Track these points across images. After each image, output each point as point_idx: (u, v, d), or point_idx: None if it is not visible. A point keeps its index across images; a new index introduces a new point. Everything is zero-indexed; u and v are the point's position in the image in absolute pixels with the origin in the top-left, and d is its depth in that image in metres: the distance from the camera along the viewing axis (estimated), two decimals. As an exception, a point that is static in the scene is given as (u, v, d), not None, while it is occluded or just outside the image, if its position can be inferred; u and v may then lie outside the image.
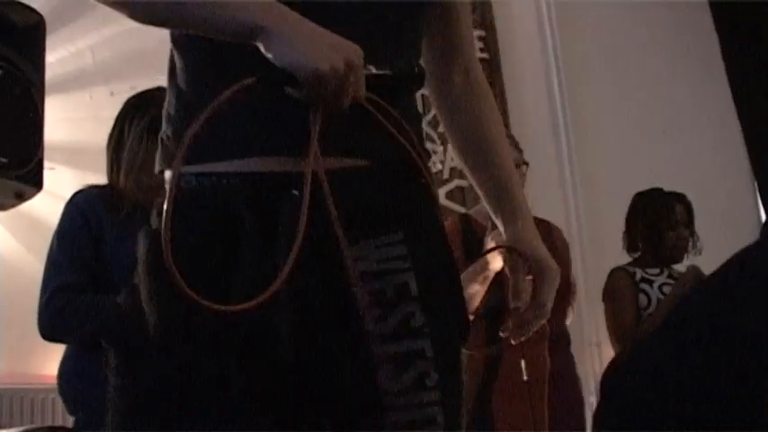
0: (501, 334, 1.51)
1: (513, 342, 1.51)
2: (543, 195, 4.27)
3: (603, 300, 3.36)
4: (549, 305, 1.54)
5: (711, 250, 3.42)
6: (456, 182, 3.96)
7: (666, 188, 3.46)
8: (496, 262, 2.55)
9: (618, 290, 3.31)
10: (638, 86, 4.68)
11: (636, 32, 4.78)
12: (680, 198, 3.40)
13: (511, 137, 3.09)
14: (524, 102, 4.46)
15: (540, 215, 4.08)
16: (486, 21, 4.50)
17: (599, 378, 3.32)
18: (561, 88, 4.55)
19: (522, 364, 2.77)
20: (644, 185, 3.53)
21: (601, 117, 4.59)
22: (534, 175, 4.21)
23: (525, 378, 2.77)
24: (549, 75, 4.58)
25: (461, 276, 1.42)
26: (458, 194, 3.93)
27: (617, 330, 3.27)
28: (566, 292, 3.10)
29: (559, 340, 3.01)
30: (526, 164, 3.02)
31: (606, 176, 4.30)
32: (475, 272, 2.60)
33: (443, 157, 4.13)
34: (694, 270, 3.22)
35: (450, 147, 4.20)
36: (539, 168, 4.31)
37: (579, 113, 4.54)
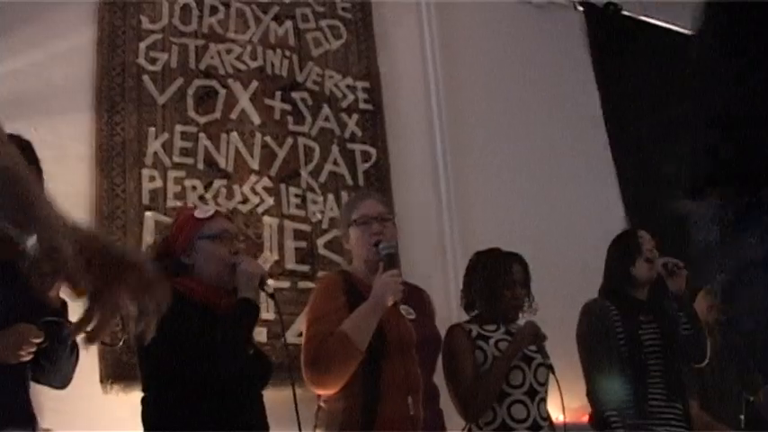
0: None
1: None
2: (421, 245, 4.29)
3: (442, 357, 3.37)
4: None
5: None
6: (334, 232, 3.93)
7: (547, 235, 3.50)
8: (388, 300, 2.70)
9: (455, 347, 3.34)
10: (519, 135, 4.80)
11: (518, 83, 4.92)
12: (517, 258, 3.46)
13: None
14: (407, 152, 4.49)
15: (419, 262, 4.16)
16: (370, 72, 4.52)
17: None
18: (443, 138, 4.62)
19: (410, 399, 2.75)
20: (522, 236, 3.56)
21: (482, 166, 4.68)
22: (413, 223, 4.26)
23: (411, 413, 2.75)
24: (432, 125, 4.64)
25: None
26: (336, 245, 3.88)
27: (456, 387, 3.29)
28: (435, 348, 3.12)
29: (430, 393, 3.02)
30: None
31: (485, 226, 4.34)
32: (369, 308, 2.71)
33: (323, 208, 4.08)
34: (532, 325, 3.29)
35: (330, 197, 4.19)
36: (418, 216, 4.36)
37: (460, 161, 4.61)
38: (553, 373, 3.28)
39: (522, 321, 3.39)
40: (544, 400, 3.30)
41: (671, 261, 3.55)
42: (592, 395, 3.56)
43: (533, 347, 3.31)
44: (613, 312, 3.59)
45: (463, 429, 3.30)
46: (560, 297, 3.73)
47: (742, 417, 3.92)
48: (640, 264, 3.64)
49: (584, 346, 3.62)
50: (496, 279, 3.40)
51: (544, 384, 3.30)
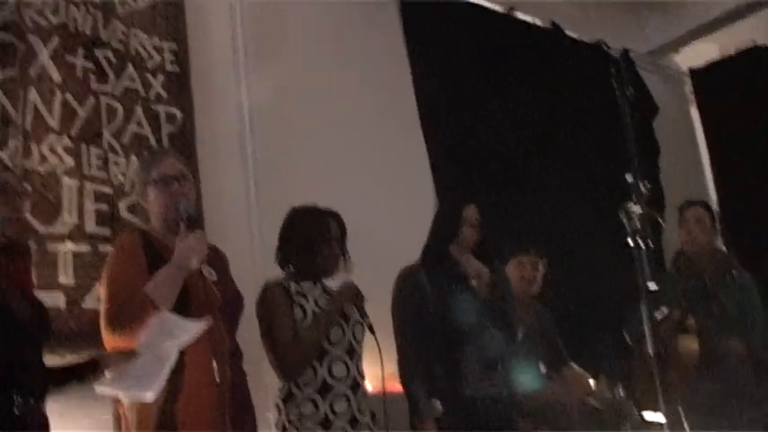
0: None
1: None
2: (226, 207, 4.31)
3: (258, 315, 3.38)
4: None
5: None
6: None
7: (357, 201, 3.56)
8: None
9: (273, 305, 3.36)
10: (329, 101, 4.88)
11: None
12: (333, 215, 3.51)
13: None
14: (214, 115, 4.48)
15: (223, 222, 4.17)
16: (178, 33, 4.46)
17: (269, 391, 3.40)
18: (251, 102, 4.67)
19: (214, 364, 2.77)
20: (330, 201, 3.60)
21: (290, 131, 4.74)
22: (218, 185, 4.27)
23: (218, 381, 2.77)
24: (240, 89, 4.66)
25: None
26: (141, 208, 3.82)
27: (274, 345, 3.32)
28: (238, 307, 3.12)
29: (234, 353, 3.04)
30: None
31: (290, 192, 4.39)
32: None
33: (126, 170, 4.01)
34: (351, 285, 3.38)
35: (132, 158, 4.11)
36: (223, 179, 4.36)
37: (267, 125, 4.67)
38: (372, 332, 3.34)
39: (337, 279, 3.44)
40: (361, 357, 3.37)
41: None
42: (399, 364, 3.68)
43: (351, 308, 3.38)
44: (426, 281, 3.70)
45: (280, 390, 3.34)
46: (372, 263, 3.80)
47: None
48: (463, 234, 3.78)
49: (395, 313, 3.73)
50: (313, 235, 3.43)
51: (360, 342, 3.38)
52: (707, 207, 4.51)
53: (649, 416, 4.11)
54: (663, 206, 5.86)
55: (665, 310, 4.10)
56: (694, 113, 7.37)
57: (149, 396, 2.62)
